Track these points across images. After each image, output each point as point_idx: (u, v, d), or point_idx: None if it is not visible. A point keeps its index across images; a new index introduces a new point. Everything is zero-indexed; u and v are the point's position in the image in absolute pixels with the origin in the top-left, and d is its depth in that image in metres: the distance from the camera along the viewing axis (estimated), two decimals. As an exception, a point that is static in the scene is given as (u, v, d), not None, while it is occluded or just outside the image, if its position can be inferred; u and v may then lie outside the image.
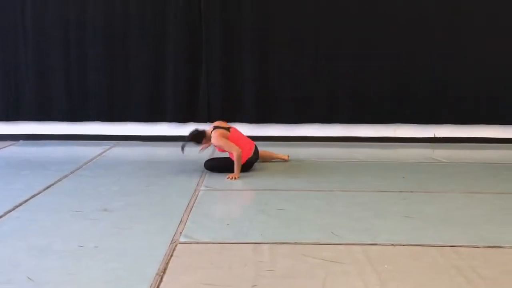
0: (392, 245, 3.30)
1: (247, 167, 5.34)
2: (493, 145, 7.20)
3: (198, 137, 5.37)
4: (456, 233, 3.55)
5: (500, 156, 6.69)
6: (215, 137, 5.27)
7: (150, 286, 2.74)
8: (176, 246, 3.29)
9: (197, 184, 4.86)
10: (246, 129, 7.43)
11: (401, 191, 4.65)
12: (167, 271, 2.92)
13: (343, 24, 7.15)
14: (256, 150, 5.52)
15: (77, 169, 5.52)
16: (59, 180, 5.01)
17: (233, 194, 4.56)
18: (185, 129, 7.48)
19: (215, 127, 5.42)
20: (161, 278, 2.83)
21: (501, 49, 7.15)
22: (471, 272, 2.89)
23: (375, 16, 7.15)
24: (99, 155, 6.36)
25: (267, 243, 3.31)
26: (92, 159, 6.06)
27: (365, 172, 5.48)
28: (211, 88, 7.30)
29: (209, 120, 7.40)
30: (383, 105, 7.26)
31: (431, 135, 7.40)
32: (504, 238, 3.42)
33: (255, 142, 5.64)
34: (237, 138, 5.41)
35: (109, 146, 6.93)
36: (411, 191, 4.66)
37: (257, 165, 5.76)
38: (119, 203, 4.23)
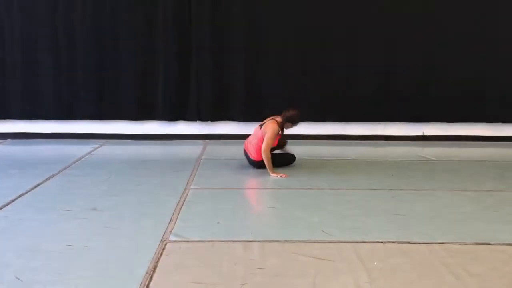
0: (382, 242, 3.31)
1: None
2: (481, 143, 7.27)
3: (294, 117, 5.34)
4: (445, 230, 3.58)
5: (488, 153, 6.75)
6: (271, 127, 5.26)
7: (140, 285, 2.73)
8: (166, 245, 3.27)
9: (187, 183, 4.84)
10: (236, 128, 7.45)
11: (390, 189, 4.68)
12: (157, 270, 2.90)
13: (332, 24, 7.16)
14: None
15: (66, 168, 5.47)
16: (47, 179, 4.97)
17: (223, 193, 4.55)
18: (175, 128, 7.52)
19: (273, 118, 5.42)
20: (151, 277, 2.82)
21: (487, 48, 7.20)
22: (460, 269, 2.91)
23: (364, 15, 7.17)
24: (88, 154, 6.31)
25: (258, 241, 3.31)
26: (81, 158, 6.02)
27: (355, 170, 5.50)
28: (201, 87, 7.28)
29: (199, 118, 7.40)
30: (373, 104, 7.28)
31: (420, 133, 7.45)
32: (493, 235, 3.45)
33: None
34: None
35: (98, 145, 6.88)
36: (401, 189, 4.68)
37: (246, 162, 5.76)
38: (108, 202, 4.21)
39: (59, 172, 5.28)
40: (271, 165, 5.18)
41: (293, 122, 5.36)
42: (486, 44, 7.20)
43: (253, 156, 5.41)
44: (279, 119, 5.38)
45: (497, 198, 4.44)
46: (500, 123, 7.38)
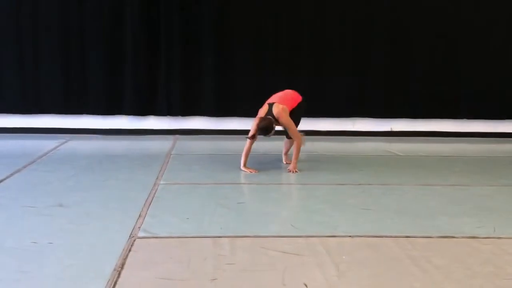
0: (350, 236, 3.36)
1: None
2: (447, 139, 7.45)
3: (269, 127, 5.02)
4: (411, 224, 3.65)
5: (453, 149, 6.92)
6: (283, 116, 5.02)
7: (108, 282, 2.68)
8: (134, 241, 3.23)
9: (157, 178, 4.79)
10: (206, 123, 7.41)
11: (359, 184, 4.74)
12: (125, 267, 2.86)
13: (303, 19, 7.21)
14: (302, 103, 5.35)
15: (30, 163, 5.33)
16: (11, 174, 4.83)
17: (193, 188, 4.52)
18: (144, 123, 7.42)
19: (270, 104, 5.16)
20: (119, 274, 2.78)
21: (453, 46, 7.38)
22: (425, 262, 2.97)
23: (331, 12, 7.24)
24: (53, 149, 6.17)
25: (227, 237, 3.30)
26: (46, 153, 5.87)
27: (324, 165, 5.55)
28: (170, 81, 7.21)
29: (169, 113, 7.32)
30: (342, 100, 7.37)
31: (388, 129, 7.58)
32: (457, 229, 3.54)
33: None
34: (284, 97, 5.23)
35: (64, 140, 6.73)
36: (369, 184, 4.75)
37: (216, 158, 5.75)
38: (75, 198, 4.12)
39: (24, 167, 5.14)
40: (245, 159, 5.15)
41: (266, 133, 5.08)
42: (452, 42, 7.37)
43: None
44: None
45: (462, 192, 4.56)
46: (466, 120, 7.58)
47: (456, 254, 3.10)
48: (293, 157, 5.18)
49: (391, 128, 7.58)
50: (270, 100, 5.24)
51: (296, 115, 5.29)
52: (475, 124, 7.58)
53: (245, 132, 7.30)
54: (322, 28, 7.24)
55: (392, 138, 7.40)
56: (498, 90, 7.44)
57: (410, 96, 7.41)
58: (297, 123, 5.29)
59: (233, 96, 7.26)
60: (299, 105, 5.32)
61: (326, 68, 7.30)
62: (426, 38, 7.34)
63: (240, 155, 5.92)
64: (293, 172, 5.09)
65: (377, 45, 7.32)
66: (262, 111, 5.17)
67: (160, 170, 5.12)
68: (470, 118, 7.55)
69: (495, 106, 7.48)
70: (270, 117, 5.07)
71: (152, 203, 4.02)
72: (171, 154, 5.99)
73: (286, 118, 5.12)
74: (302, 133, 5.40)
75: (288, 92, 5.40)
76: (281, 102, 5.19)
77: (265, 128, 5.02)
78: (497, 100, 7.46)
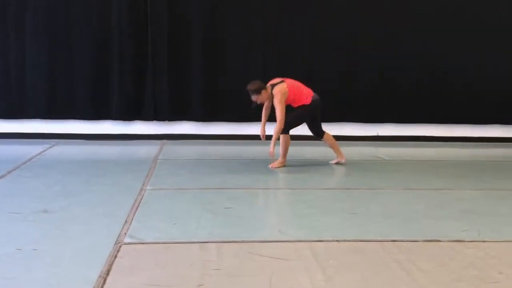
0: (337, 241, 3.37)
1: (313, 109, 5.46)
2: (432, 143, 7.52)
3: (259, 88, 5.30)
4: (397, 228, 3.67)
5: (438, 153, 6.99)
6: (278, 96, 5.23)
7: (93, 289, 2.66)
8: (120, 247, 3.20)
9: (143, 183, 4.76)
10: (193, 127, 7.39)
11: (346, 188, 4.76)
12: (111, 273, 2.84)
13: (293, 24, 7.23)
14: (316, 98, 5.50)
15: (15, 169, 5.27)
16: (-5, 180, 4.78)
17: (180, 193, 4.51)
18: (131, 128, 7.38)
19: (272, 85, 5.37)
20: (104, 280, 2.75)
21: (439, 51, 7.46)
22: (411, 265, 3.00)
23: (320, 17, 7.28)
24: (39, 154, 6.11)
25: (214, 242, 3.29)
26: (31, 159, 5.81)
27: (311, 170, 5.57)
28: (157, 86, 7.18)
29: (156, 118, 7.29)
30: (329, 104, 7.36)
31: (375, 134, 7.63)
32: (442, 232, 3.57)
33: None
34: (297, 87, 5.43)
35: (50, 145, 6.67)
36: (356, 188, 4.78)
37: (203, 163, 5.73)
38: (60, 204, 4.08)
39: (8, 173, 5.08)
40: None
41: (254, 92, 5.37)
42: (437, 48, 7.45)
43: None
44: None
45: (447, 196, 4.61)
46: (451, 124, 7.66)
47: (441, 258, 3.13)
48: (272, 140, 5.27)
49: (377, 133, 7.63)
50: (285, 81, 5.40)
51: (297, 113, 5.42)
52: (460, 129, 7.67)
53: (232, 136, 7.34)
54: (312, 34, 7.27)
55: (379, 143, 7.45)
56: (482, 95, 7.53)
57: (396, 101, 7.47)
58: (293, 122, 5.40)
59: (220, 101, 7.25)
60: (303, 106, 5.40)
61: (314, 73, 7.32)
62: (413, 44, 7.40)
63: (227, 160, 5.93)
64: (271, 156, 5.23)
65: (364, 50, 7.37)
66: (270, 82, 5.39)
67: (147, 175, 5.09)
68: (455, 122, 7.64)
69: (480, 111, 7.57)
70: (266, 85, 5.32)
71: (138, 209, 4.00)
72: (158, 159, 5.96)
73: (279, 99, 5.26)
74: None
75: (303, 88, 5.51)
76: (289, 87, 5.31)
77: (255, 90, 5.28)
78: (481, 105, 7.55)
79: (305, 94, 5.48)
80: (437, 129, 7.66)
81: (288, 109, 5.42)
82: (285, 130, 5.39)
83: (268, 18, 7.22)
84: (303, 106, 5.45)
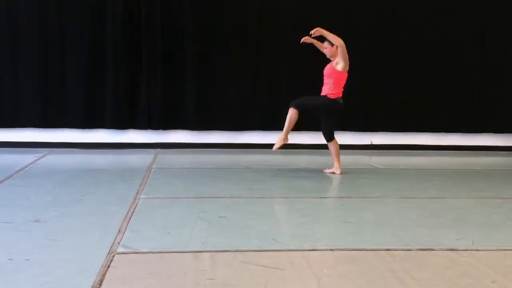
0: (331, 250, 3.36)
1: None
2: (425, 152, 7.56)
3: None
4: (391, 236, 3.68)
5: (431, 162, 7.02)
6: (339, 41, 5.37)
7: (85, 299, 2.63)
8: (113, 257, 3.18)
9: (137, 192, 4.74)
10: (188, 136, 7.38)
11: (340, 197, 4.77)
12: (104, 283, 2.81)
13: (285, 29, 7.26)
14: (340, 100, 5.62)
15: (7, 178, 5.23)
16: (-13, 190, 4.74)
17: (174, 202, 4.49)
18: (124, 136, 7.36)
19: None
20: (97, 291, 2.73)
21: (432, 59, 7.53)
22: (405, 274, 2.99)
23: (313, 26, 7.30)
24: (31, 163, 6.07)
25: (208, 251, 3.28)
26: (23, 168, 5.77)
27: (305, 178, 5.57)
28: (151, 94, 7.18)
29: (149, 127, 7.28)
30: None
31: (368, 142, 7.66)
32: (436, 241, 3.58)
33: None
34: (342, 79, 5.56)
35: (42, 154, 6.63)
36: (349, 197, 4.78)
37: (197, 171, 5.72)
38: (52, 214, 4.05)
39: (0, 182, 5.04)
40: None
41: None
42: (431, 56, 7.52)
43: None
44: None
45: (440, 204, 4.62)
46: (444, 133, 7.71)
47: (435, 267, 3.13)
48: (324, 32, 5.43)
49: (371, 142, 7.66)
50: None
51: (316, 98, 5.58)
52: (452, 137, 7.72)
53: (226, 145, 7.34)
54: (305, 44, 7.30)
55: (372, 151, 7.48)
56: (474, 104, 7.59)
57: (390, 111, 7.51)
58: (306, 102, 5.54)
59: (214, 109, 7.26)
60: (325, 97, 5.52)
61: (308, 84, 7.34)
62: (406, 53, 7.47)
63: (221, 169, 5.92)
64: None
65: (357, 59, 7.40)
66: None
67: (141, 184, 5.07)
68: (447, 131, 7.68)
69: (472, 120, 7.63)
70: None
71: (132, 218, 3.97)
72: (152, 168, 5.94)
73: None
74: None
75: (342, 85, 5.61)
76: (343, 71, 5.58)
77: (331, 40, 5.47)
78: (473, 114, 7.61)
79: (339, 89, 5.50)
80: (430, 138, 7.71)
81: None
82: (297, 106, 5.42)
83: (263, 29, 7.25)
84: (325, 97, 5.46)
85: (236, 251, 3.31)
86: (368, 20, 7.39)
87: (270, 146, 7.46)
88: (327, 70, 5.59)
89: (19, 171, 5.60)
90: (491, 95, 7.58)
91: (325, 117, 5.62)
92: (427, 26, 7.47)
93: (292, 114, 5.43)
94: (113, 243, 3.40)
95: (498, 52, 7.60)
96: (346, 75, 5.53)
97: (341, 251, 3.34)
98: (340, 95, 5.57)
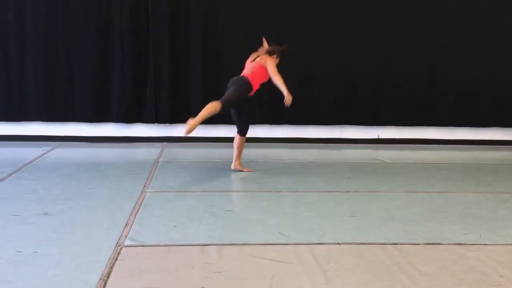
0: (338, 244, 3.36)
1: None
2: (433, 146, 7.51)
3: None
4: (398, 231, 3.67)
5: (439, 156, 6.99)
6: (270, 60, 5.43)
7: (93, 292, 2.66)
8: (121, 249, 3.20)
9: (144, 186, 4.76)
10: (195, 131, 7.36)
11: (346, 191, 4.76)
12: (111, 276, 2.84)
13: (291, 26, 7.23)
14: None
15: (16, 171, 5.27)
16: (-4, 183, 4.78)
17: (181, 196, 4.50)
18: (132, 130, 7.38)
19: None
20: (105, 283, 2.75)
21: (439, 53, 7.47)
22: (412, 269, 2.99)
23: (319, 19, 7.28)
24: (39, 156, 6.11)
25: (215, 245, 3.29)
26: (32, 161, 5.81)
27: (312, 172, 5.56)
28: (158, 88, 7.19)
29: (157, 121, 7.30)
30: (330, 107, 7.40)
31: (375, 137, 7.63)
32: (443, 235, 3.56)
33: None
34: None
35: (50, 148, 6.67)
36: (356, 191, 4.77)
37: (204, 165, 5.73)
38: (60, 207, 4.08)
39: (9, 175, 5.08)
40: (284, 85, 5.29)
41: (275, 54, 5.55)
42: (436, 50, 7.46)
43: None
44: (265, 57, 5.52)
45: (448, 199, 4.60)
46: (451, 127, 7.66)
47: (442, 261, 3.12)
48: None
49: (378, 136, 7.63)
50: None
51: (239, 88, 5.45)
52: (460, 132, 7.67)
53: (232, 139, 7.31)
54: (310, 35, 7.28)
55: (380, 146, 7.45)
56: (482, 97, 7.53)
57: (397, 104, 7.47)
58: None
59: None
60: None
61: (315, 77, 7.33)
62: (413, 47, 7.41)
63: (228, 163, 5.92)
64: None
65: (365, 53, 7.37)
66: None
67: (148, 178, 5.09)
68: (455, 125, 7.63)
69: (480, 114, 7.57)
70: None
71: (139, 211, 3.99)
72: (158, 162, 5.96)
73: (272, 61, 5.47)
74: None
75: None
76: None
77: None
78: (481, 108, 7.55)
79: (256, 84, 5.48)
80: (438, 132, 7.66)
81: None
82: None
83: (268, 25, 7.22)
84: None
85: (243, 244, 3.32)
86: (376, 10, 7.32)
87: (274, 140, 7.51)
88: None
89: (27, 165, 5.63)
90: (502, 89, 7.51)
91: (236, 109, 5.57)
92: (436, 17, 7.41)
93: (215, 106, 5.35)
94: (120, 236, 3.43)
95: (507, 46, 7.52)
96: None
97: (347, 245, 3.34)
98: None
